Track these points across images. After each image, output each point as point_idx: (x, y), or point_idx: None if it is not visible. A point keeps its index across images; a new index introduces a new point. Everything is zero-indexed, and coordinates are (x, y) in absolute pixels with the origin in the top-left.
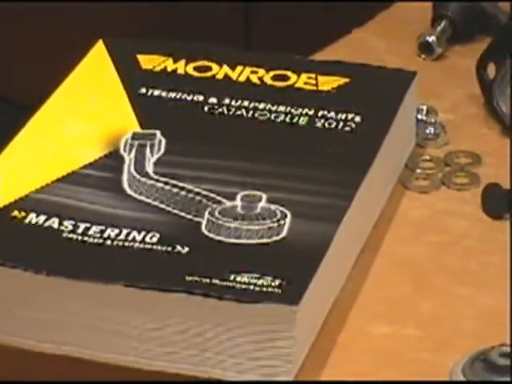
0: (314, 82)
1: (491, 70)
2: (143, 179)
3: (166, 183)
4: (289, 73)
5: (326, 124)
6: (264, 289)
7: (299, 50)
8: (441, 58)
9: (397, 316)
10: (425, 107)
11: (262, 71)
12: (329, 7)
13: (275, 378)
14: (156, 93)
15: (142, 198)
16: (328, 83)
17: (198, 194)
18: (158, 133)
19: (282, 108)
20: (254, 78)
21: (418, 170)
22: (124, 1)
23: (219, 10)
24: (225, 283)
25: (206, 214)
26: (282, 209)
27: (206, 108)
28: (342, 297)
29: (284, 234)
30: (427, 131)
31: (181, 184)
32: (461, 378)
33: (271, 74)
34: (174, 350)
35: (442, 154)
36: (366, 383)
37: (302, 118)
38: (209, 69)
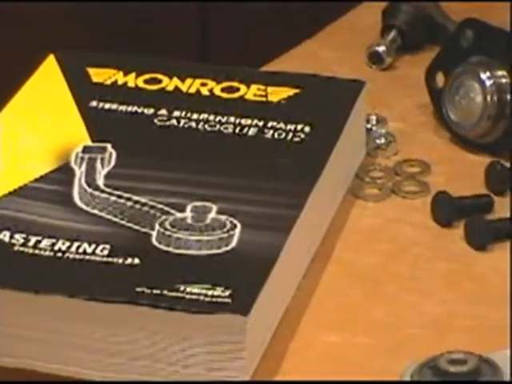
0: (263, 93)
1: (440, 78)
2: (94, 192)
3: (117, 196)
4: (238, 84)
5: (276, 135)
6: (214, 299)
7: (255, 61)
8: (390, 68)
9: (347, 324)
10: (374, 117)
11: (211, 83)
12: (285, 18)
13: None
14: (107, 106)
15: (93, 210)
16: (277, 94)
17: (148, 205)
18: (109, 146)
19: (231, 119)
20: (204, 90)
21: (368, 179)
22: None
23: (175, 24)
24: (175, 294)
25: (157, 226)
26: (231, 219)
27: (156, 120)
28: (292, 305)
29: (234, 244)
30: (377, 141)
31: (131, 196)
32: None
33: (221, 85)
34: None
35: (392, 163)
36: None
37: (251, 129)
38: (159, 81)
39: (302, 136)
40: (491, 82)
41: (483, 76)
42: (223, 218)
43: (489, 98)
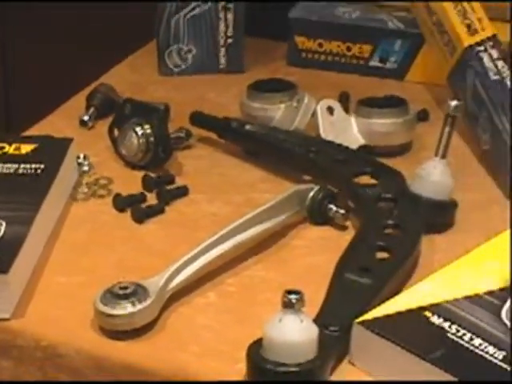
0: (18, 148)
1: (116, 132)
2: None
3: None
4: (3, 144)
5: (25, 171)
6: None
7: None
8: (92, 128)
9: (71, 271)
10: (82, 154)
11: None
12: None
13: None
14: None
15: None
16: (27, 148)
17: None
18: None
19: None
20: None
21: (80, 190)
22: None
23: None
24: None
25: None
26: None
27: None
28: (37, 265)
29: (1, 234)
30: (84, 168)
31: None
32: (100, 304)
33: None
34: None
35: (92, 179)
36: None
37: (11, 169)
38: None
39: (40, 171)
40: (142, 132)
41: (137, 129)
42: None
43: (141, 141)
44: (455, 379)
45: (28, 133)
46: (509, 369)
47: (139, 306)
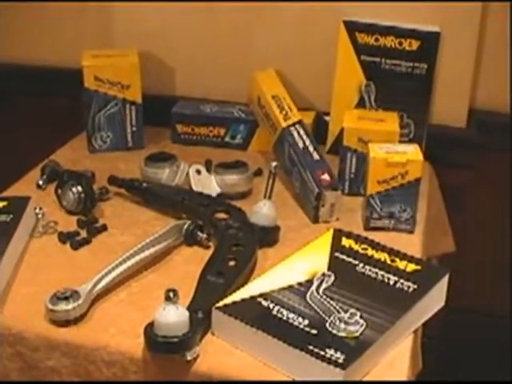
0: None
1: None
2: None
3: None
4: None
5: (0, 219)
6: None
7: None
8: (45, 189)
9: (31, 284)
10: (38, 207)
11: None
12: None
13: None
14: None
15: None
16: (1, 204)
17: None
18: None
19: None
20: None
21: (36, 230)
22: None
23: None
24: None
25: None
26: None
27: None
28: (10, 280)
29: None
30: (39, 215)
31: None
32: (49, 304)
33: None
34: None
35: (45, 222)
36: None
37: None
38: None
39: (9, 219)
40: (76, 191)
41: (73, 189)
42: None
43: (75, 196)
44: (288, 344)
45: (4, 194)
46: (308, 330)
47: (74, 304)
